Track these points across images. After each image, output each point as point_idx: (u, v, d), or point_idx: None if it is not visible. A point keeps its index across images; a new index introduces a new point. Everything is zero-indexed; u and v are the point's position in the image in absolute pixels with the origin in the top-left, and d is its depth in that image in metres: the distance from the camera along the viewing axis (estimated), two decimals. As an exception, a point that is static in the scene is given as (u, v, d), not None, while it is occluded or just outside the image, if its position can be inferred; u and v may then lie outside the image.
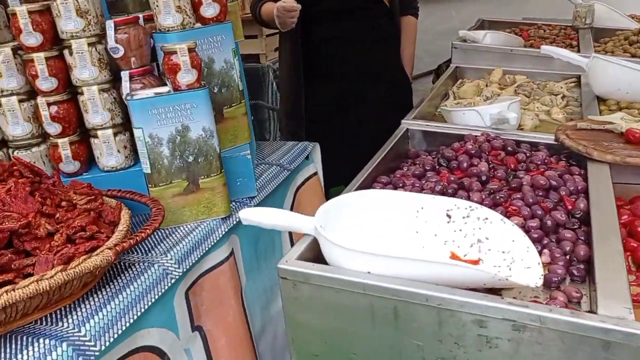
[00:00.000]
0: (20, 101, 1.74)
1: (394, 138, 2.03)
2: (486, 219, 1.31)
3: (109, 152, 1.81)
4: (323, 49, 3.03)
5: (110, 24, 1.71)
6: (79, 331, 1.27)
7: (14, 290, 1.18)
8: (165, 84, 1.78)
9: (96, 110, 1.77)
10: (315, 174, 2.47)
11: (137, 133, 1.65)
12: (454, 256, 1.33)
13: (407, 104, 3.41)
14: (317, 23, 2.99)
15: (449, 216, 1.37)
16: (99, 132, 1.79)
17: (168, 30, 1.74)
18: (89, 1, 1.70)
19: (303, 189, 2.39)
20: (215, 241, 1.73)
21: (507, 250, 1.24)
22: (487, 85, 2.70)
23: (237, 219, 1.84)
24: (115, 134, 1.80)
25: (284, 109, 3.24)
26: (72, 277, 1.26)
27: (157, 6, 1.72)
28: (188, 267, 1.61)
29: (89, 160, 1.86)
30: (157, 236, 1.70)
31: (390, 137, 2.14)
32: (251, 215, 1.32)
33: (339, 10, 3.01)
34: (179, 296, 1.62)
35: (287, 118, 3.20)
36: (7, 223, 1.29)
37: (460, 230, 1.34)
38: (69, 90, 1.78)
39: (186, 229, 1.73)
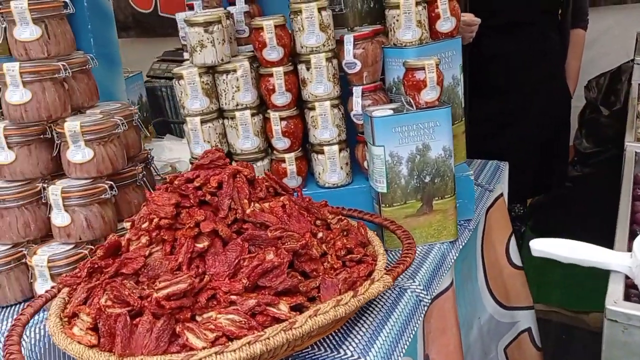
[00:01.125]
0: (252, 115, 1.73)
1: (628, 163, 1.89)
2: None
3: (332, 169, 1.77)
4: (490, 64, 2.92)
5: (349, 39, 1.67)
6: (364, 360, 1.21)
7: (316, 315, 1.14)
8: (392, 101, 1.73)
9: (326, 126, 1.73)
10: (502, 194, 2.36)
11: (377, 151, 1.60)
12: None
13: (565, 119, 3.25)
14: (487, 38, 2.88)
15: None
16: (326, 148, 1.75)
17: (405, 45, 1.69)
18: (330, 16, 1.67)
19: (492, 211, 2.28)
20: (449, 266, 1.65)
21: None
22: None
23: (463, 244, 1.75)
24: (340, 150, 1.76)
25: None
26: (361, 303, 1.21)
27: (397, 20, 1.67)
28: (433, 293, 1.54)
29: (307, 177, 1.83)
30: (388, 259, 1.64)
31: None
32: (546, 246, 1.22)
33: (510, 24, 2.90)
34: (420, 323, 1.55)
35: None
36: (289, 243, 1.26)
37: None
38: (297, 105, 1.76)
39: (419, 252, 1.66)
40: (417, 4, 1.65)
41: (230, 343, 1.07)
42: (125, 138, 1.69)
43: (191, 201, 1.29)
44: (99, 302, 1.19)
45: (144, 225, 1.32)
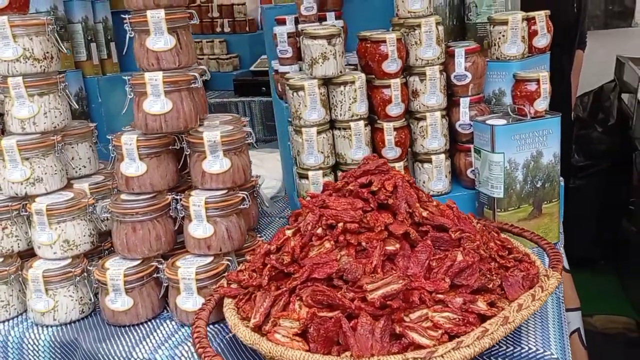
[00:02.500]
0: (364, 125, 1.76)
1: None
2: None
3: (438, 177, 1.84)
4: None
5: (460, 52, 1.75)
6: None
7: (520, 309, 1.19)
8: (493, 112, 1.83)
9: (435, 136, 1.80)
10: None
11: (496, 158, 1.68)
12: None
13: (570, 135, 3.49)
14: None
15: None
16: (433, 157, 1.82)
17: (510, 59, 1.79)
18: (443, 30, 1.75)
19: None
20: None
21: None
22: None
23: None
24: (445, 159, 1.83)
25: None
26: (547, 296, 1.27)
27: (504, 36, 1.77)
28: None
29: (408, 185, 1.88)
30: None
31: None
32: None
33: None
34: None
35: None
36: (467, 244, 1.30)
37: None
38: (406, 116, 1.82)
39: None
40: (522, 20, 1.77)
41: (459, 339, 1.10)
42: (242, 149, 1.68)
43: (371, 205, 1.32)
44: (306, 308, 1.19)
45: (318, 231, 1.32)
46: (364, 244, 1.28)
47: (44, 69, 1.59)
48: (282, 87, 2.02)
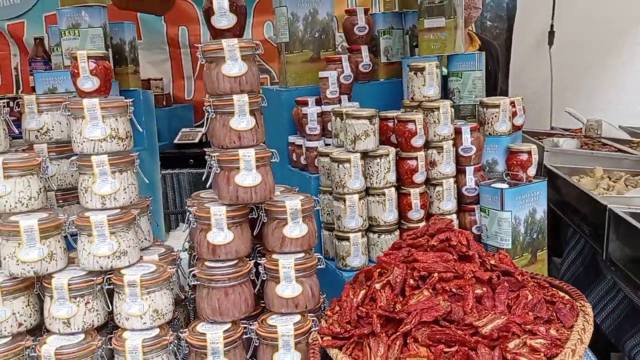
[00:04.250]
0: (395, 191, 2.04)
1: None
2: None
3: (451, 234, 2.15)
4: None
5: (467, 129, 2.12)
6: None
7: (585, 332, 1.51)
8: (489, 178, 2.21)
9: (449, 199, 2.12)
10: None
11: (505, 215, 2.04)
12: None
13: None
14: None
15: None
16: (447, 217, 2.13)
17: (501, 135, 2.20)
18: (454, 111, 2.11)
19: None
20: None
21: None
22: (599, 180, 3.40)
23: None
24: (456, 218, 2.16)
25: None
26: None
27: (496, 116, 2.18)
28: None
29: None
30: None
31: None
32: None
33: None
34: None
35: None
36: (530, 284, 1.61)
37: None
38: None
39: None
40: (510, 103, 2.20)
41: (557, 358, 1.38)
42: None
43: (453, 257, 1.58)
44: (423, 347, 1.40)
45: (411, 281, 1.55)
46: (454, 289, 1.54)
47: (125, 148, 1.68)
48: (308, 159, 2.25)
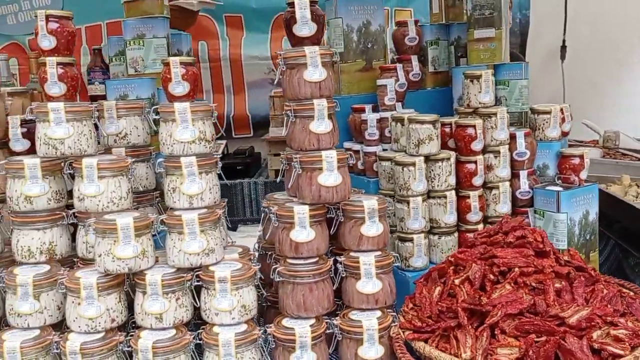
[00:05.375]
0: (455, 194, 2.12)
1: None
2: None
3: (506, 236, 2.22)
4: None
5: (521, 134, 2.21)
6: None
7: (659, 324, 1.57)
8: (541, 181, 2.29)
9: (505, 201, 2.19)
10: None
11: (561, 217, 2.11)
12: None
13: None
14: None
15: None
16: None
17: (552, 140, 2.28)
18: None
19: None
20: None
21: None
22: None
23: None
24: (510, 221, 2.23)
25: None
26: (660, 316, 1.67)
27: (547, 122, 2.27)
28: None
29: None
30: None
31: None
32: None
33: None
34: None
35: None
36: (602, 279, 1.68)
37: None
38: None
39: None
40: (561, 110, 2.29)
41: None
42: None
43: (531, 252, 1.65)
44: (511, 337, 1.46)
45: (490, 276, 1.62)
46: (534, 284, 1.60)
47: (210, 150, 1.75)
48: (366, 164, 2.32)
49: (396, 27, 2.57)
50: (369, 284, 1.72)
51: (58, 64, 1.69)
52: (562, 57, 5.87)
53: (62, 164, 1.77)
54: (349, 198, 1.79)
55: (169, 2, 2.61)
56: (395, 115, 2.21)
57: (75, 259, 1.83)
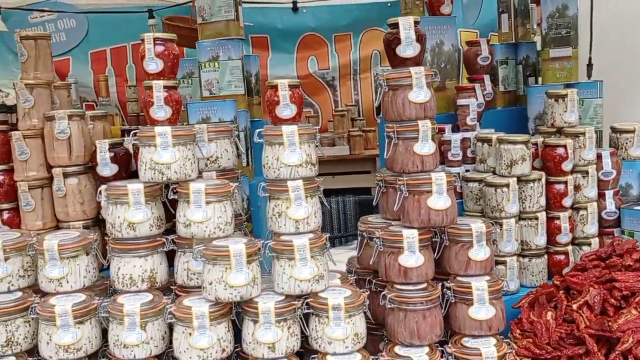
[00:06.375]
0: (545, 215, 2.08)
1: None
2: None
3: (594, 257, 2.18)
4: None
5: (607, 154, 2.17)
6: None
7: None
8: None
9: (593, 222, 2.15)
10: None
11: None
12: None
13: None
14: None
15: None
16: (592, 240, 2.16)
17: (635, 159, 2.25)
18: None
19: None
20: None
21: None
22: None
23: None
24: (598, 242, 2.19)
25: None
26: None
27: (630, 141, 2.24)
28: None
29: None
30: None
31: None
32: None
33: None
34: None
35: None
36: None
37: None
38: (566, 206, 2.17)
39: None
40: (643, 129, 2.26)
41: None
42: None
43: (651, 276, 1.61)
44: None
45: (612, 301, 1.58)
46: (663, 307, 1.56)
47: (315, 173, 1.72)
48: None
49: (468, 47, 2.55)
50: (482, 310, 1.67)
51: (164, 87, 1.65)
52: (589, 75, 5.88)
53: (162, 189, 1.73)
54: (456, 221, 1.75)
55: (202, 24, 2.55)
56: (481, 135, 2.18)
57: (172, 287, 1.78)
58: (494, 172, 2.12)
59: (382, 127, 1.90)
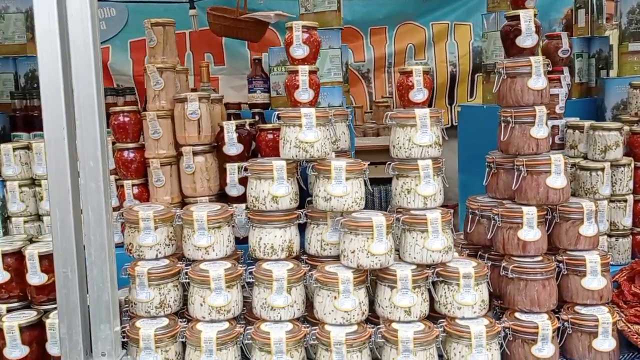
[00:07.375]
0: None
1: None
2: None
3: (673, 239, 2.33)
4: None
5: None
6: None
7: None
8: None
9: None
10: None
11: None
12: None
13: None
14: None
15: None
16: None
17: None
18: None
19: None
20: None
21: None
22: None
23: None
24: (677, 224, 2.34)
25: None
26: None
27: None
28: None
29: None
30: None
31: None
32: None
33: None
34: None
35: None
36: None
37: None
38: None
39: None
40: None
41: None
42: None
43: None
44: None
45: None
46: None
47: (440, 153, 1.86)
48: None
49: (548, 40, 2.69)
50: (594, 281, 1.82)
51: (310, 72, 1.79)
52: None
53: (296, 166, 1.87)
54: (567, 200, 1.90)
55: (243, 15, 2.68)
56: (572, 122, 2.32)
57: (302, 257, 1.92)
58: (584, 157, 2.27)
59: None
